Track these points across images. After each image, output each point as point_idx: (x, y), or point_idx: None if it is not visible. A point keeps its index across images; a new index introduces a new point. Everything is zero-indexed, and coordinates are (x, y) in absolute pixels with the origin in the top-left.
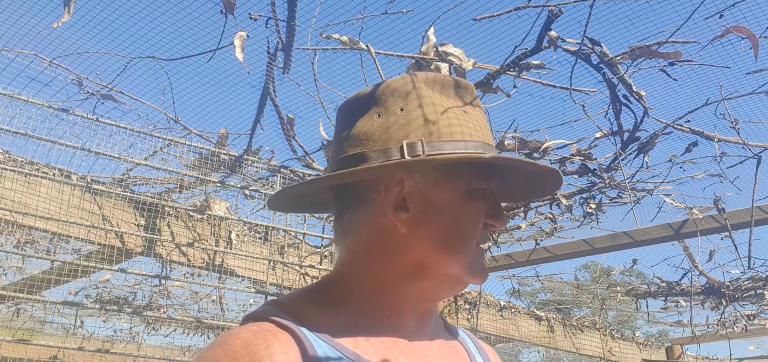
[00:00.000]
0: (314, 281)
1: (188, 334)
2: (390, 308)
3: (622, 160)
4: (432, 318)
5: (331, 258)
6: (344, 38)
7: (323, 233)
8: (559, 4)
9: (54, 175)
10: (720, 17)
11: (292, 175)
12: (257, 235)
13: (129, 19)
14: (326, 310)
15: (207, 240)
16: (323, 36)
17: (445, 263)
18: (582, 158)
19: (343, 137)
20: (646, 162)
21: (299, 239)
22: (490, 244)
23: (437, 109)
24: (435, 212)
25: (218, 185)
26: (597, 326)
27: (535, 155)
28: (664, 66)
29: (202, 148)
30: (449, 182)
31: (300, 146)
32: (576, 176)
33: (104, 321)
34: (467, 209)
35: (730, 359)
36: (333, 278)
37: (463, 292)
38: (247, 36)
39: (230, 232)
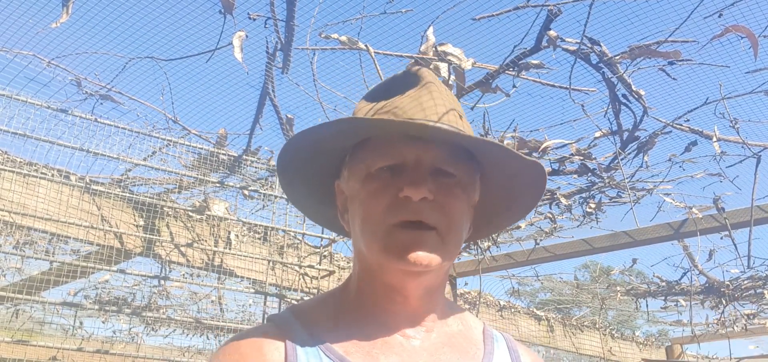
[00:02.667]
0: (313, 281)
1: (187, 335)
2: (378, 307)
3: (622, 159)
4: (438, 319)
5: (331, 258)
6: (343, 38)
7: (322, 234)
8: (559, 4)
9: (53, 175)
10: (719, 16)
11: None
12: (256, 235)
13: (128, 20)
14: (335, 313)
15: (206, 241)
16: (322, 36)
17: (369, 249)
18: (581, 158)
19: None
20: (646, 162)
21: (298, 240)
22: (490, 244)
23: (364, 110)
24: (351, 205)
25: (217, 185)
26: (597, 326)
27: (535, 154)
28: (664, 65)
29: (201, 148)
30: (353, 174)
31: None
32: (576, 176)
33: (103, 322)
34: (365, 191)
35: (730, 358)
36: (347, 280)
37: (462, 292)
38: (247, 36)
39: (229, 232)
